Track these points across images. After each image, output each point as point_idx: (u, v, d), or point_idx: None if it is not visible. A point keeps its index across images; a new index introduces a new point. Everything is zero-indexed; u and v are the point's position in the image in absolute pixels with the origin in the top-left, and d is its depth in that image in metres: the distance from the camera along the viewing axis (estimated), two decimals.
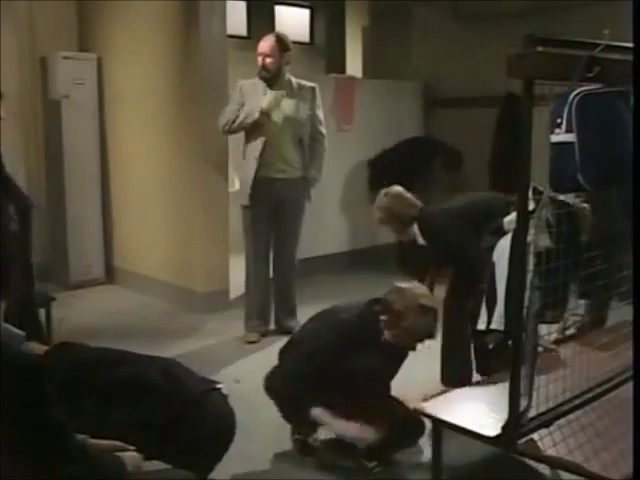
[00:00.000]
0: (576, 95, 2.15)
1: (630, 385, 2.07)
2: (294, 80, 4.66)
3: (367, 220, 6.94)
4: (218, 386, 2.59)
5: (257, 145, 4.55)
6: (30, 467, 1.69)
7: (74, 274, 5.98)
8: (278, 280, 4.86)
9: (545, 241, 2.23)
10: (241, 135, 4.71)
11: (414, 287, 3.06)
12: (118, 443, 2.12)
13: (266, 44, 4.51)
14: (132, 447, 2.12)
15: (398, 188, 3.70)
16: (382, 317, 2.99)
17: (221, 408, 2.54)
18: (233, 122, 4.53)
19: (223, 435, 2.50)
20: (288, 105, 4.58)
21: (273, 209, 4.65)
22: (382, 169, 6.55)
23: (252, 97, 4.53)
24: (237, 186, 4.85)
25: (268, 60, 4.50)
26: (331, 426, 2.98)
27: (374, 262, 6.72)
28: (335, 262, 6.54)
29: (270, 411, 3.29)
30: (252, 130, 4.56)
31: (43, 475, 1.71)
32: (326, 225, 6.49)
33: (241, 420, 3.50)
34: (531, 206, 2.01)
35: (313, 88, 4.71)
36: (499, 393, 2.12)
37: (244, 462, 3.07)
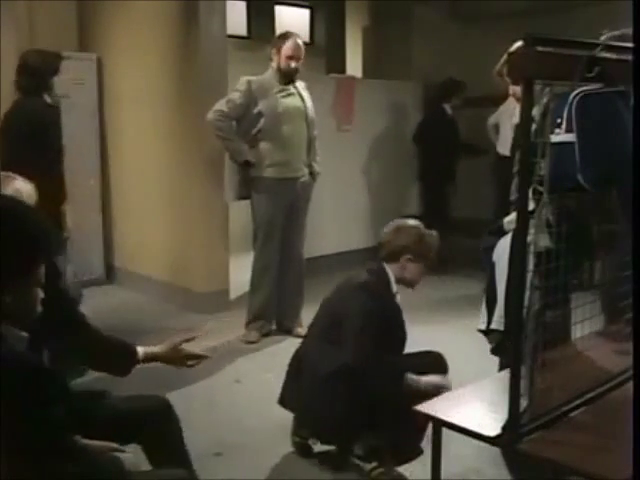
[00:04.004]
0: (576, 95, 2.15)
1: (630, 385, 2.07)
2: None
3: (367, 220, 6.98)
4: None
5: (275, 145, 4.57)
6: (30, 467, 1.69)
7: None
8: (287, 280, 4.80)
9: (545, 241, 2.23)
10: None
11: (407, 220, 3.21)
12: (113, 445, 2.12)
13: (299, 47, 4.58)
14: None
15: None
16: (407, 257, 3.06)
17: None
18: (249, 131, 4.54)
19: None
20: (303, 105, 4.64)
21: (288, 208, 4.66)
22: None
23: (265, 98, 4.53)
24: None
25: (300, 62, 4.60)
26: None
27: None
28: (335, 262, 6.53)
29: (270, 411, 3.29)
30: (269, 132, 4.57)
31: (43, 475, 1.71)
32: (326, 225, 6.49)
33: (241, 420, 3.52)
34: (531, 206, 2.01)
35: (305, 86, 4.79)
36: (499, 393, 2.12)
37: (244, 462, 3.07)
